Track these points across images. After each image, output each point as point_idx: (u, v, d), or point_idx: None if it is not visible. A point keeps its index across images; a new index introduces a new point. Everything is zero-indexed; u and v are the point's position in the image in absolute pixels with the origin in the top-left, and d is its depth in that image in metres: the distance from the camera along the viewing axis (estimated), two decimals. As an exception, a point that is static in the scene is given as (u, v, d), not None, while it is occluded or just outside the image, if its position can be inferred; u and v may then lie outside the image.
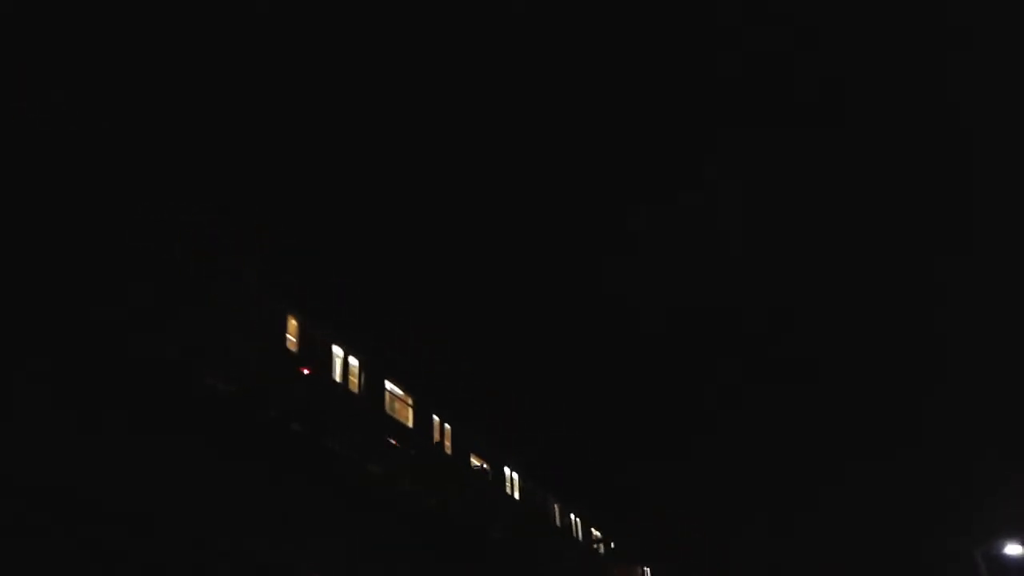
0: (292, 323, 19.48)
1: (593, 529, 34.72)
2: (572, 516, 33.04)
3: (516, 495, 28.90)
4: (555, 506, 31.76)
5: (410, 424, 23.50)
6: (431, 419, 24.48)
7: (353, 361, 21.38)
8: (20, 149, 15.02)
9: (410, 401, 23.67)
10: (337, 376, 20.79)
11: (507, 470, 28.60)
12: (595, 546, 34.61)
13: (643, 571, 36.98)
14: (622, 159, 59.22)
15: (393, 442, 22.12)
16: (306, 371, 19.19)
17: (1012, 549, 26.49)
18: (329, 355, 20.58)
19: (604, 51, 59.20)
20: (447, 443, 25.07)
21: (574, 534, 33.03)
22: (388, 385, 22.86)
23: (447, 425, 25.21)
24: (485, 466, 27.26)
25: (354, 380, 21.31)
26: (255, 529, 17.11)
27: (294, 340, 19.46)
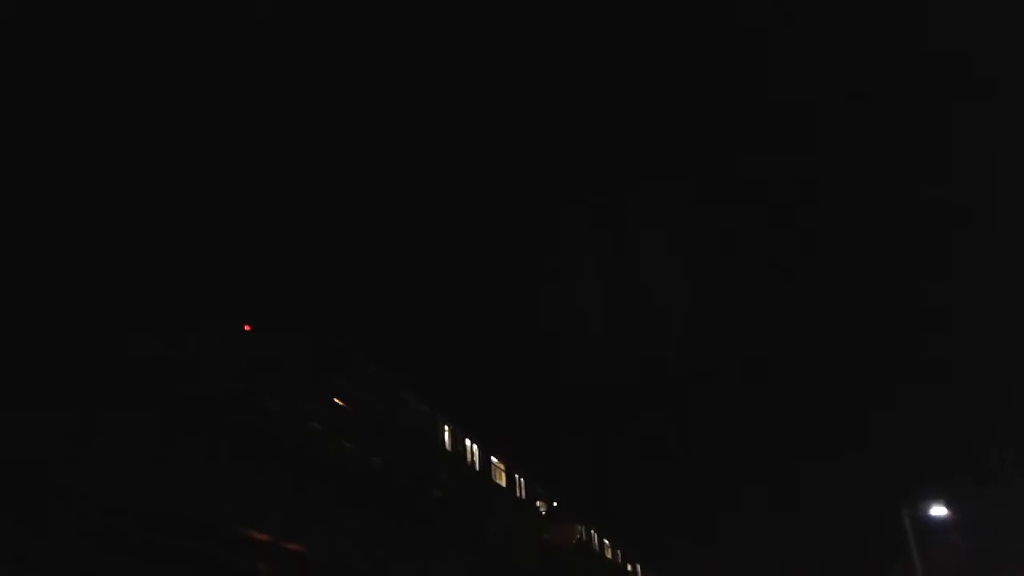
0: (445, 429, 25.50)
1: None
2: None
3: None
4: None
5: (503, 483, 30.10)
6: (515, 478, 31.12)
7: (474, 447, 27.67)
8: (20, 149, 15.10)
9: (503, 466, 30.16)
10: (469, 458, 27.07)
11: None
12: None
13: (580, 528, 43.39)
14: (622, 159, 59.38)
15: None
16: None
17: (937, 511, 34.18)
18: (465, 445, 26.80)
19: (603, 51, 58.78)
20: (523, 491, 31.94)
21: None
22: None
23: (521, 479, 31.94)
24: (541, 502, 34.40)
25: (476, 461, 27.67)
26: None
27: (448, 441, 25.51)
